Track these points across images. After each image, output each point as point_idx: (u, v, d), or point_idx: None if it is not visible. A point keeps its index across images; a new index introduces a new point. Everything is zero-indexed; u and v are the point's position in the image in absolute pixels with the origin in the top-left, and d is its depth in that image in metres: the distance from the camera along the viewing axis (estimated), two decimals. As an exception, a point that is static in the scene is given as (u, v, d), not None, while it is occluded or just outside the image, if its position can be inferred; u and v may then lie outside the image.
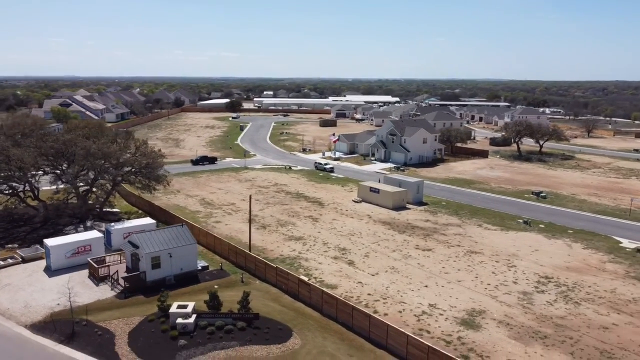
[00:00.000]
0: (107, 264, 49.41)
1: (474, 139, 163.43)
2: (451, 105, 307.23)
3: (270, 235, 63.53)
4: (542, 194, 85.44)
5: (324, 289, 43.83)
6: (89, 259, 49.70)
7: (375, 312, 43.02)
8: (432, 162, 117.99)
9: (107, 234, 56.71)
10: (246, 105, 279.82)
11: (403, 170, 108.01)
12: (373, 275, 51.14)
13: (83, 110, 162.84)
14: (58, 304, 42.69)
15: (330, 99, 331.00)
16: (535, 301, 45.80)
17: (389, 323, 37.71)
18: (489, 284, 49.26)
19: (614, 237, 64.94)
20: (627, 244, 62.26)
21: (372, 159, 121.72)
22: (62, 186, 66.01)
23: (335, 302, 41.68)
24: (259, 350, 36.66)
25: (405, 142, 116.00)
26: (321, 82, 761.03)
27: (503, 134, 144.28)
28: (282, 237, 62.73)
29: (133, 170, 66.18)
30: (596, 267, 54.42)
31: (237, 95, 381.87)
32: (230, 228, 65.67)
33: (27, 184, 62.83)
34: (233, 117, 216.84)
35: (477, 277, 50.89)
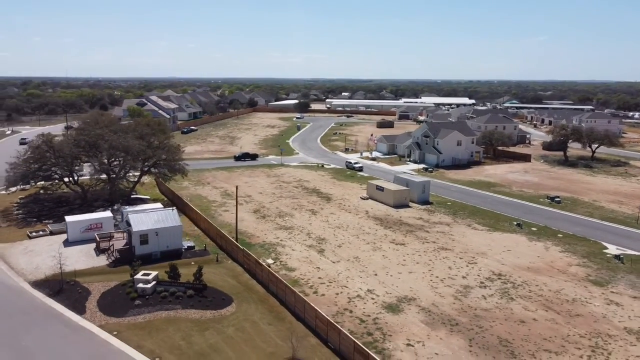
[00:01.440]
0: (108, 239, 58.74)
1: (529, 142, 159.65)
2: (528, 107, 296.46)
3: (266, 224, 70.23)
4: (557, 199, 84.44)
5: (270, 269, 49.77)
6: (95, 234, 59.47)
7: (315, 292, 48.25)
8: (467, 165, 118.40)
9: (122, 214, 66.40)
10: (318, 106, 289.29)
11: (431, 171, 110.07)
12: (334, 262, 56.06)
13: (156, 109, 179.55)
14: (62, 268, 52.23)
15: (402, 101, 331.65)
16: (471, 294, 48.46)
17: (306, 299, 42.91)
18: (437, 277, 52.37)
19: (603, 243, 64.29)
20: (612, 250, 61.62)
21: (408, 160, 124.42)
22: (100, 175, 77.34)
23: (276, 281, 47.46)
24: (195, 314, 43.46)
25: (437, 144, 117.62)
26: (408, 84, 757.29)
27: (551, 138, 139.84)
28: (275, 226, 69.17)
29: (154, 162, 76.01)
30: (559, 269, 55.26)
31: (313, 97, 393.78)
32: (233, 216, 73.00)
33: (69, 171, 74.45)
34: (297, 118, 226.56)
35: (430, 270, 54.08)
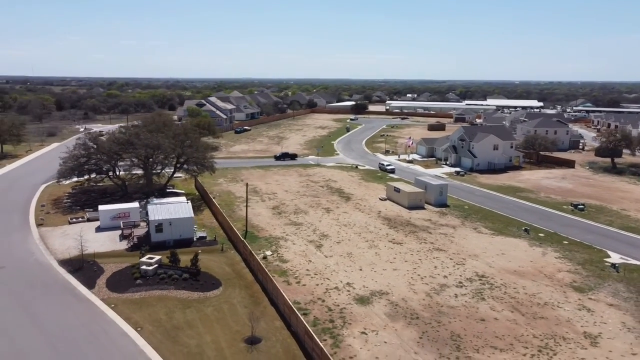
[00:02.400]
0: (131, 227, 66.16)
1: (582, 148, 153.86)
2: (599, 111, 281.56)
3: (279, 219, 75.14)
4: (580, 206, 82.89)
5: (259, 260, 54.56)
6: (121, 222, 67.10)
7: (298, 282, 52.46)
8: (503, 169, 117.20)
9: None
10: (377, 107, 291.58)
11: (463, 175, 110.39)
12: (327, 257, 59.90)
13: (214, 109, 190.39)
14: (86, 249, 59.89)
15: (464, 103, 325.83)
16: (444, 292, 50.63)
17: (278, 287, 47.26)
18: (418, 275, 54.82)
19: (608, 251, 63.43)
20: (615, 259, 60.83)
21: (445, 163, 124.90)
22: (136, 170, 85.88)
23: (261, 269, 52.19)
24: (184, 294, 49.08)
25: (473, 148, 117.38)
26: (482, 85, 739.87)
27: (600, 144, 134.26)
28: (286, 222, 73.89)
29: (186, 159, 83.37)
30: (546, 274, 55.81)
31: (376, 98, 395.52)
32: (252, 212, 78.51)
33: (111, 166, 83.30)
34: (351, 119, 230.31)
35: (415, 269, 56.55)
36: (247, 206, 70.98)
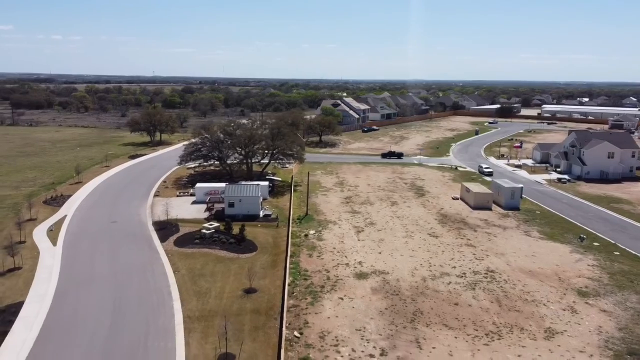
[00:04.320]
0: (214, 202, 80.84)
1: None
2: None
3: (343, 207, 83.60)
4: (670, 221, 76.01)
5: (291, 235, 64.22)
6: (209, 197, 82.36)
7: (318, 256, 60.97)
8: (618, 179, 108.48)
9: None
10: (531, 111, 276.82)
11: (564, 183, 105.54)
12: (360, 240, 67.04)
13: (347, 109, 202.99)
14: (177, 216, 75.83)
15: (637, 109, 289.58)
16: (440, 279, 54.63)
17: (288, 256, 56.53)
18: (429, 263, 59.15)
19: (659, 266, 59.61)
20: (659, 274, 57.40)
21: (555, 169, 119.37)
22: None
23: (289, 242, 61.92)
24: (223, 253, 61.00)
25: (583, 155, 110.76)
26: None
27: None
28: (348, 209, 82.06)
29: (279, 150, 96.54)
30: (561, 277, 55.75)
31: (537, 101, 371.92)
32: (323, 199, 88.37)
33: (221, 153, 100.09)
34: (489, 123, 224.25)
35: (430, 258, 60.82)
36: (308, 192, 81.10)
